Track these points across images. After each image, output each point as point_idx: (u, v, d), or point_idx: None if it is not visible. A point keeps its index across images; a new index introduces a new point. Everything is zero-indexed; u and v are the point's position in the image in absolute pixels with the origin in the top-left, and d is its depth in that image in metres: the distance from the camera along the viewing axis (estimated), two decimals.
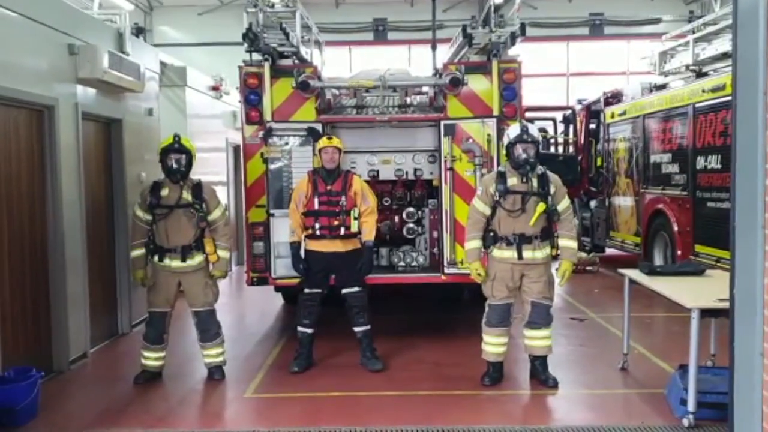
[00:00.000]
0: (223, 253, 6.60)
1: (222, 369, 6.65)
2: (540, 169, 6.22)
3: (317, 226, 6.66)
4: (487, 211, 6.20)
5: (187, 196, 6.50)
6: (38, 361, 6.24)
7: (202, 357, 6.67)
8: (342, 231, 6.65)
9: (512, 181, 6.14)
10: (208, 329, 6.59)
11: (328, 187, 6.68)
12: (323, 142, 6.80)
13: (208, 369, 6.63)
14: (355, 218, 6.68)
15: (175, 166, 6.55)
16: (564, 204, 6.25)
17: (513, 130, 6.25)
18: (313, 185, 6.70)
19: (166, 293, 6.51)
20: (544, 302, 6.22)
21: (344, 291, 6.82)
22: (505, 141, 6.27)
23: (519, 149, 6.15)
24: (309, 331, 6.83)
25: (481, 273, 6.25)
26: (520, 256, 6.10)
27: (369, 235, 6.73)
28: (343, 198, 6.66)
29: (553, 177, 6.32)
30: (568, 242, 6.26)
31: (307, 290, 6.87)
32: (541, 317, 6.21)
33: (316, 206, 6.65)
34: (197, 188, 6.59)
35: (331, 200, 6.65)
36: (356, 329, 6.81)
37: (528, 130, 6.19)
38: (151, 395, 6.20)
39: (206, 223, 6.51)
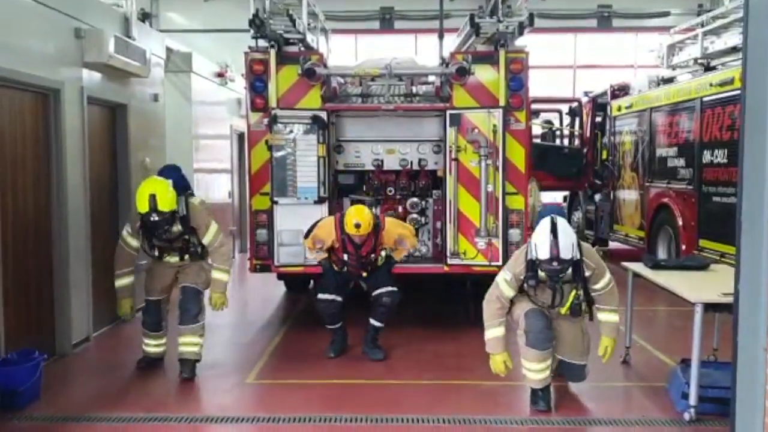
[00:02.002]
0: (219, 275, 6.26)
1: (194, 367, 6.16)
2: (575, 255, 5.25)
3: (344, 269, 6.74)
4: (512, 294, 5.48)
5: (177, 228, 6.09)
6: (41, 345, 6.25)
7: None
8: (369, 268, 6.76)
9: (544, 275, 5.30)
10: (189, 309, 6.15)
11: (359, 251, 6.63)
12: (351, 228, 6.40)
13: (179, 361, 6.17)
14: (382, 257, 6.81)
15: (162, 234, 6.02)
16: (603, 282, 5.45)
17: (541, 246, 5.14)
18: (341, 245, 6.62)
19: (162, 282, 6.43)
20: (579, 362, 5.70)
21: (377, 292, 6.75)
22: (533, 253, 5.24)
23: (548, 269, 5.22)
24: (336, 326, 6.82)
25: (509, 365, 5.46)
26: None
27: (398, 256, 6.92)
28: (372, 256, 6.69)
29: (590, 256, 5.42)
30: (608, 316, 5.55)
31: (321, 296, 6.75)
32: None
33: (345, 258, 6.67)
34: (184, 218, 6.08)
35: (360, 259, 6.66)
36: (372, 322, 6.79)
37: (559, 254, 5.08)
38: (152, 380, 6.22)
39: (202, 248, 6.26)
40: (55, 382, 6.01)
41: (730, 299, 4.68)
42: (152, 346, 6.50)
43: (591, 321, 5.62)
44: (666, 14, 18.22)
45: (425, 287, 9.74)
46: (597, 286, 5.44)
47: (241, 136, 13.35)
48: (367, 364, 6.63)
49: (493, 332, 5.43)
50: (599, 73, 18.44)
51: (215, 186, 12.70)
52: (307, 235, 6.82)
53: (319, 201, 7.51)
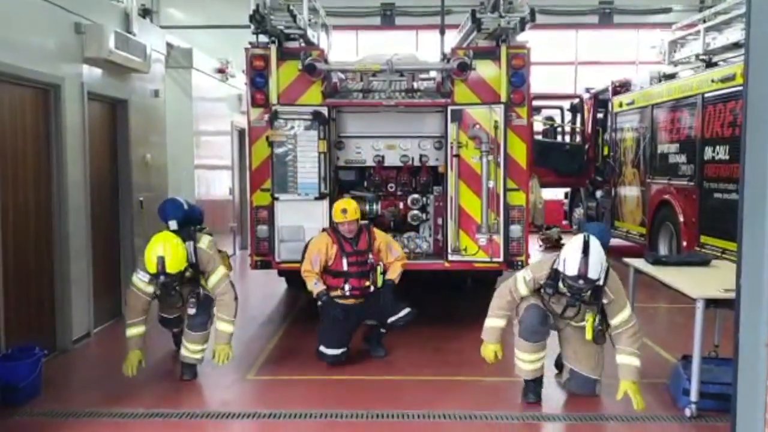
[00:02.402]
0: (224, 327, 5.92)
1: (195, 369, 6.12)
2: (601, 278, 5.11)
3: (347, 287, 6.53)
4: (525, 293, 5.43)
5: (187, 274, 5.84)
6: (42, 340, 6.25)
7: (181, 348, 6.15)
8: (372, 289, 6.62)
9: (564, 288, 5.24)
10: (199, 315, 6.00)
11: (356, 248, 6.57)
12: (337, 216, 6.51)
13: (181, 364, 6.12)
14: (381, 273, 6.65)
15: (172, 293, 5.82)
16: (621, 317, 5.23)
17: (571, 261, 5.02)
18: (339, 245, 6.53)
19: (174, 304, 6.19)
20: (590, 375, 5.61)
21: (392, 320, 6.62)
22: (561, 266, 5.12)
23: (572, 286, 5.12)
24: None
25: (499, 356, 5.50)
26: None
27: (393, 274, 6.69)
28: (370, 256, 6.61)
29: (612, 284, 5.21)
30: (626, 359, 5.18)
31: (327, 351, 6.41)
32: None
33: (345, 267, 6.53)
34: (194, 263, 5.87)
35: (359, 260, 6.55)
36: (381, 328, 6.77)
37: (587, 273, 4.96)
38: (153, 376, 6.20)
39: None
40: (55, 378, 6.02)
41: (731, 295, 4.66)
42: (190, 351, 6.09)
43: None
44: (668, 10, 18.18)
45: (426, 284, 9.73)
46: (614, 321, 5.22)
47: (241, 132, 13.34)
48: (367, 360, 6.64)
49: (493, 321, 5.49)
50: (601, 69, 18.42)
51: (216, 182, 12.71)
52: (301, 260, 6.68)
53: (320, 197, 7.49)
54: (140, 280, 5.81)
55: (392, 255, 6.71)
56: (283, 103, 7.45)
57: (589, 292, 5.13)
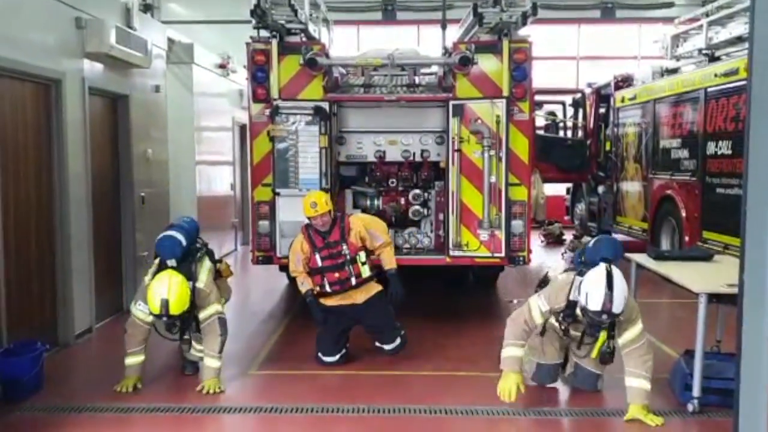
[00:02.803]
0: (211, 362, 5.73)
1: (198, 365, 6.10)
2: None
3: (326, 282, 6.34)
4: (541, 323, 5.26)
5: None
6: (44, 335, 6.26)
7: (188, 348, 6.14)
8: (353, 281, 6.35)
9: (583, 319, 5.10)
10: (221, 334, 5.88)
11: (326, 240, 6.36)
12: (308, 211, 6.32)
13: (183, 359, 6.19)
14: (363, 263, 6.37)
15: (174, 330, 5.73)
16: (632, 333, 5.04)
17: (594, 297, 4.81)
18: (309, 242, 6.36)
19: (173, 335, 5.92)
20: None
21: (382, 346, 6.49)
22: (581, 300, 4.94)
23: (593, 319, 4.93)
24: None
25: (521, 389, 5.15)
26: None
27: (390, 263, 6.49)
28: (345, 246, 6.33)
29: (628, 305, 4.99)
30: (635, 382, 5.00)
31: (325, 358, 6.37)
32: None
33: (319, 263, 6.34)
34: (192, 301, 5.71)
35: (332, 252, 6.33)
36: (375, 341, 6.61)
37: (611, 309, 4.79)
38: (155, 371, 6.20)
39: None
40: (57, 372, 6.02)
41: (734, 290, 4.65)
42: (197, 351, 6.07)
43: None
44: (670, 5, 18.13)
45: (427, 279, 9.73)
46: (623, 339, 5.02)
47: (243, 127, 13.34)
48: (368, 354, 6.62)
49: (511, 351, 5.18)
50: (603, 64, 18.38)
51: (217, 178, 12.70)
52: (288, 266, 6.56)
53: None
54: (140, 311, 5.69)
55: (377, 240, 6.48)
56: (285, 98, 7.42)
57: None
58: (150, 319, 5.67)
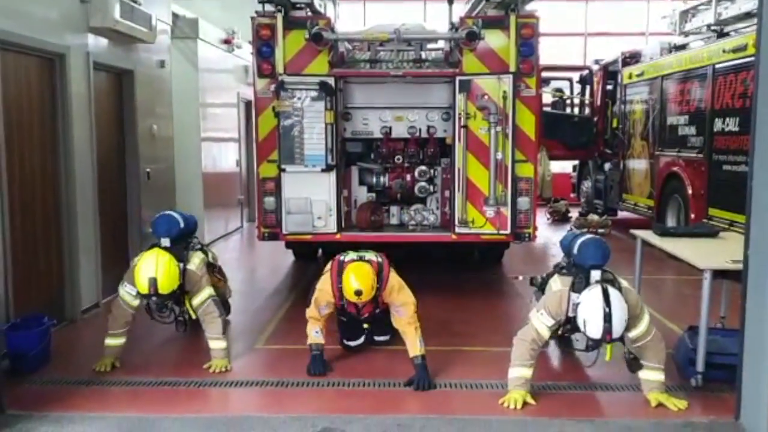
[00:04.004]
0: (216, 344, 5.67)
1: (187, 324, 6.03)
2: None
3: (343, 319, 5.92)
4: (548, 337, 5.07)
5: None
6: (50, 310, 6.30)
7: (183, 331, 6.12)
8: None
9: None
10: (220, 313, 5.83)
11: (360, 313, 5.64)
12: (350, 296, 5.36)
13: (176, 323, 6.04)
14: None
15: (164, 311, 5.62)
16: (640, 329, 4.91)
17: (593, 325, 4.66)
18: (341, 306, 5.63)
19: (163, 319, 5.90)
20: None
21: (379, 339, 6.10)
22: (579, 324, 4.80)
23: (594, 342, 4.80)
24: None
25: (530, 401, 4.95)
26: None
27: (414, 349, 5.38)
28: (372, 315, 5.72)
29: (627, 299, 4.81)
30: (650, 374, 4.94)
31: (349, 343, 6.05)
32: None
33: (340, 316, 5.89)
34: (181, 284, 5.62)
35: (360, 320, 5.77)
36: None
37: (612, 336, 4.64)
38: (161, 345, 6.26)
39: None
40: (64, 347, 6.07)
41: (739, 266, 4.65)
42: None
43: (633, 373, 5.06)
44: None
45: (433, 256, 9.75)
46: (633, 333, 4.88)
47: (248, 104, 13.29)
48: None
49: (520, 371, 4.99)
50: (610, 40, 18.25)
51: (222, 154, 12.69)
52: (309, 303, 5.71)
53: (327, 169, 7.46)
54: (127, 293, 5.59)
55: (399, 315, 5.54)
56: (290, 72, 7.39)
57: None
58: (136, 302, 5.59)
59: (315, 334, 5.59)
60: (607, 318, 4.60)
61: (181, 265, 5.60)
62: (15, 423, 4.61)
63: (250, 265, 10.80)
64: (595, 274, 4.86)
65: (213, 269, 6.30)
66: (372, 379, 5.42)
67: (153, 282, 5.32)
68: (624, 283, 4.99)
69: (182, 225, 5.92)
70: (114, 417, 4.75)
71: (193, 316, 5.81)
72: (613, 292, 4.70)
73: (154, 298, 5.42)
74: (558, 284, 5.09)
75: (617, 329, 4.63)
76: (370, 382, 5.37)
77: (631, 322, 4.84)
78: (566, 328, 5.09)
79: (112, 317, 5.68)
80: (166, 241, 5.69)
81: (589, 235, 5.25)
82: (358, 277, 5.30)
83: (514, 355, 5.04)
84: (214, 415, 4.83)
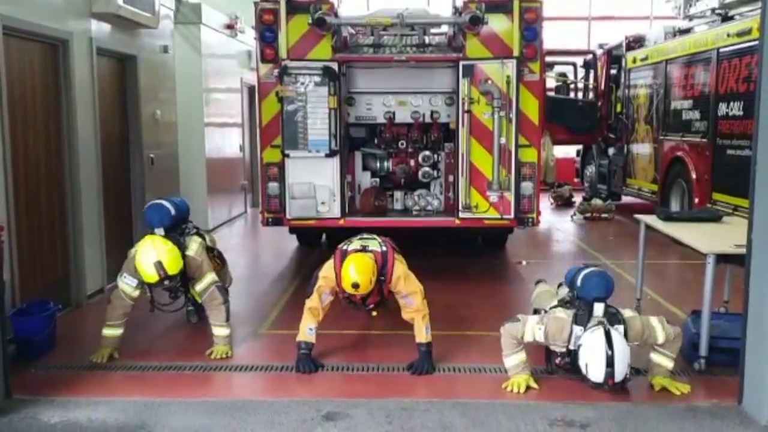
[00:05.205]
0: (219, 331, 5.67)
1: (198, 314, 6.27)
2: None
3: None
4: (529, 342, 5.01)
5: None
6: (56, 295, 6.33)
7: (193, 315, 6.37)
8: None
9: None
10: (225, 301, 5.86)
11: (365, 304, 5.51)
12: (348, 288, 5.22)
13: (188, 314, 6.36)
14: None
15: (178, 294, 5.79)
16: (660, 340, 4.92)
17: (595, 370, 4.63)
18: (343, 294, 5.42)
19: (174, 306, 6.04)
20: None
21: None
22: (581, 367, 4.75)
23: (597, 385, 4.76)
24: None
25: (533, 385, 4.99)
26: None
27: (421, 335, 5.37)
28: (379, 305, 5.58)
29: (633, 330, 4.83)
30: (659, 359, 4.97)
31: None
32: None
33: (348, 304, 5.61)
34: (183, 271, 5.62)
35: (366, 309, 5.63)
36: None
37: (614, 382, 4.63)
38: (166, 330, 6.29)
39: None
40: (69, 332, 6.10)
41: (742, 250, 4.66)
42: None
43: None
44: None
45: (437, 240, 9.76)
46: (657, 345, 4.92)
47: (251, 89, 13.27)
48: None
49: (516, 357, 5.02)
50: (614, 24, 18.15)
51: (226, 139, 12.68)
52: (309, 293, 5.51)
53: (331, 154, 7.46)
54: (127, 285, 5.53)
55: (409, 305, 5.45)
56: (293, 58, 7.37)
57: None
58: (136, 293, 5.55)
59: (309, 331, 5.39)
60: (610, 362, 4.56)
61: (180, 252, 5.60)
62: (22, 407, 4.65)
63: (254, 251, 10.83)
64: (598, 308, 4.81)
65: (212, 253, 6.30)
66: (376, 363, 5.46)
67: (159, 265, 5.30)
68: (627, 313, 4.93)
69: (174, 212, 5.89)
70: (119, 401, 4.78)
71: (200, 301, 5.83)
72: (615, 335, 4.64)
73: (166, 282, 5.41)
74: (562, 314, 4.97)
75: (620, 373, 4.60)
76: (374, 367, 5.41)
77: (649, 341, 4.88)
78: (565, 361, 5.01)
79: (111, 307, 5.63)
80: (160, 231, 5.65)
81: (593, 268, 5.18)
82: (357, 269, 5.16)
83: (504, 346, 5.05)
84: (219, 399, 4.86)
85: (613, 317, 4.82)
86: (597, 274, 5.05)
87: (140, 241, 5.61)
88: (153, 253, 5.35)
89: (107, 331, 5.60)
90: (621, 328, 4.76)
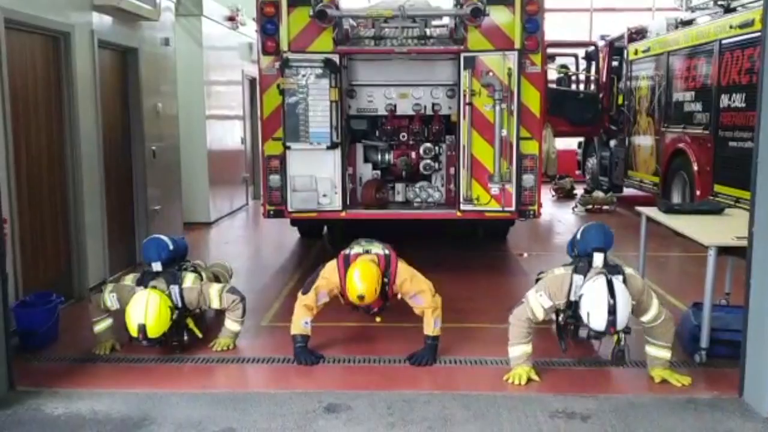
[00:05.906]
0: (232, 326, 5.70)
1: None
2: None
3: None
4: (543, 318, 5.03)
5: (174, 317, 5.48)
6: (58, 288, 6.34)
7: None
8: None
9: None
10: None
11: (368, 310, 5.63)
12: (354, 300, 5.28)
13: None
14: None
15: (158, 345, 5.44)
16: (650, 314, 4.90)
17: (597, 317, 4.63)
18: (348, 301, 5.48)
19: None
20: None
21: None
22: (583, 316, 4.76)
23: (598, 334, 4.83)
24: None
25: (534, 377, 4.98)
26: None
27: (429, 329, 5.36)
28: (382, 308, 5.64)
29: (633, 289, 4.81)
30: (655, 351, 4.95)
31: None
32: None
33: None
34: (181, 308, 5.55)
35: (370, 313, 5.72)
36: None
37: (616, 328, 4.67)
38: None
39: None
40: (72, 324, 6.12)
41: (744, 243, 4.66)
42: None
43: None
44: None
45: (438, 233, 9.77)
46: (644, 318, 4.91)
47: (252, 81, 13.28)
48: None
49: (521, 349, 5.01)
50: (616, 16, 18.11)
51: (227, 132, 12.69)
52: (306, 290, 5.48)
53: (332, 146, 7.46)
54: (109, 300, 5.51)
55: (417, 303, 5.41)
56: (294, 50, 7.36)
57: None
58: (115, 308, 5.51)
59: (304, 324, 5.38)
60: (612, 310, 4.57)
61: (175, 288, 5.53)
62: (25, 399, 4.67)
63: (256, 243, 10.85)
64: (598, 258, 4.85)
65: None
66: (378, 356, 5.47)
67: (142, 328, 5.19)
68: (629, 270, 4.96)
69: (171, 248, 5.80)
70: (122, 393, 4.81)
71: (200, 335, 5.71)
72: (617, 283, 4.66)
73: (145, 342, 5.28)
74: (561, 270, 5.06)
75: (621, 321, 4.62)
76: (376, 359, 5.42)
77: (640, 307, 4.86)
78: (567, 315, 5.05)
79: (92, 307, 5.63)
80: (157, 266, 5.59)
81: (592, 222, 5.23)
82: (362, 277, 5.17)
83: (512, 335, 5.05)
84: (221, 391, 4.88)
85: (613, 269, 4.83)
86: (596, 226, 5.12)
87: (139, 284, 5.51)
88: (141, 313, 5.20)
89: (97, 327, 5.59)
90: (621, 278, 4.78)
